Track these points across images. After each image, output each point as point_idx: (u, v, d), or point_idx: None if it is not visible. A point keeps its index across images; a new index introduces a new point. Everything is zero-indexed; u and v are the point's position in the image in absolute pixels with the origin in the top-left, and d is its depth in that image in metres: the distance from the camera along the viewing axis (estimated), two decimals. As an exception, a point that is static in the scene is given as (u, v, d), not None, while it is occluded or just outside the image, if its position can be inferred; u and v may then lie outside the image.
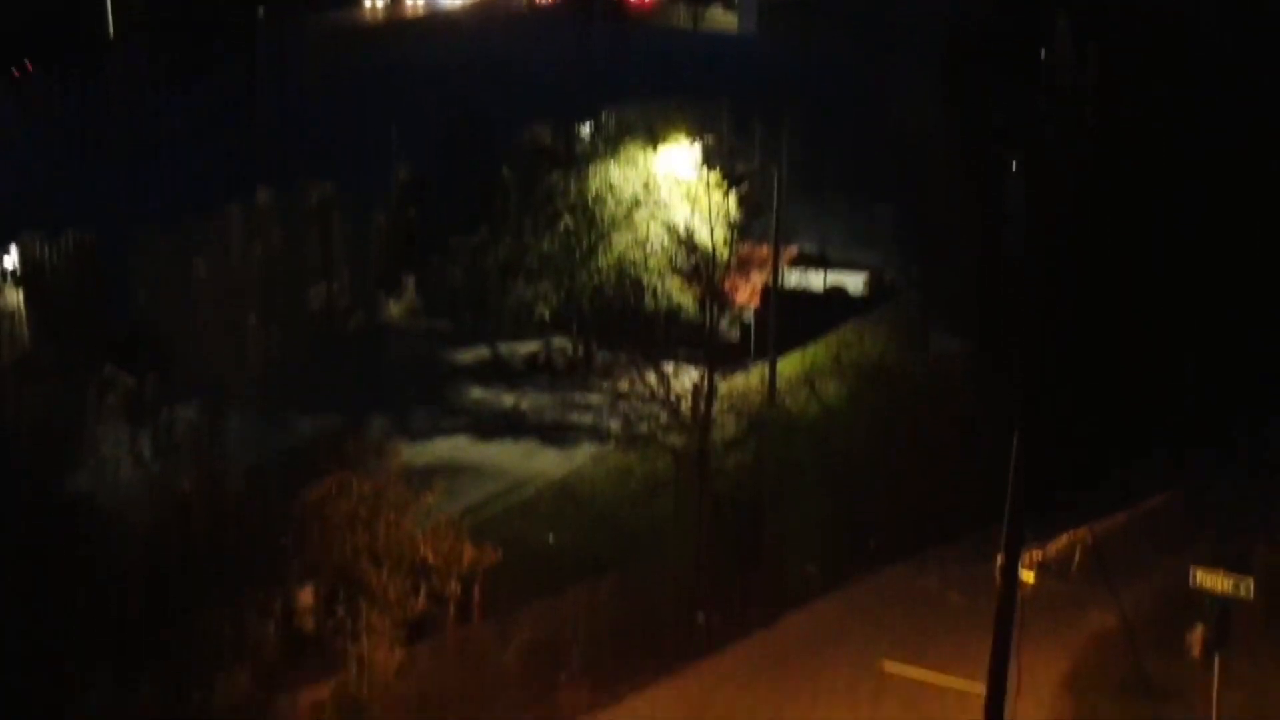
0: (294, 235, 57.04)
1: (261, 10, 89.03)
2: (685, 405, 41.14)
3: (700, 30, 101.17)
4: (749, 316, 55.87)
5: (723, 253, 42.98)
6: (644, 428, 42.31)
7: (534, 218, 53.73)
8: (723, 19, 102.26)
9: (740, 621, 35.32)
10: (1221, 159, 50.53)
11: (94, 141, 69.50)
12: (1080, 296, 46.18)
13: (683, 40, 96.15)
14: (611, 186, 52.06)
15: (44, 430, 31.51)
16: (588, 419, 49.96)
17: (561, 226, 52.98)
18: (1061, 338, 45.87)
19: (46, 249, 51.03)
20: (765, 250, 52.42)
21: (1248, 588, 28.48)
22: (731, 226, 44.50)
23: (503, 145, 55.83)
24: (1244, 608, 28.94)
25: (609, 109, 55.47)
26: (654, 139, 51.70)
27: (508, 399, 53.03)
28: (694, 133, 51.27)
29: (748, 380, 51.99)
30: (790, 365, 53.48)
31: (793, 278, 57.96)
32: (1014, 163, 53.26)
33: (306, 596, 30.61)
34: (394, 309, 61.51)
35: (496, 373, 55.65)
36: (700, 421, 40.01)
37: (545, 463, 47.16)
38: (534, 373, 55.82)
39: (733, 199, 46.27)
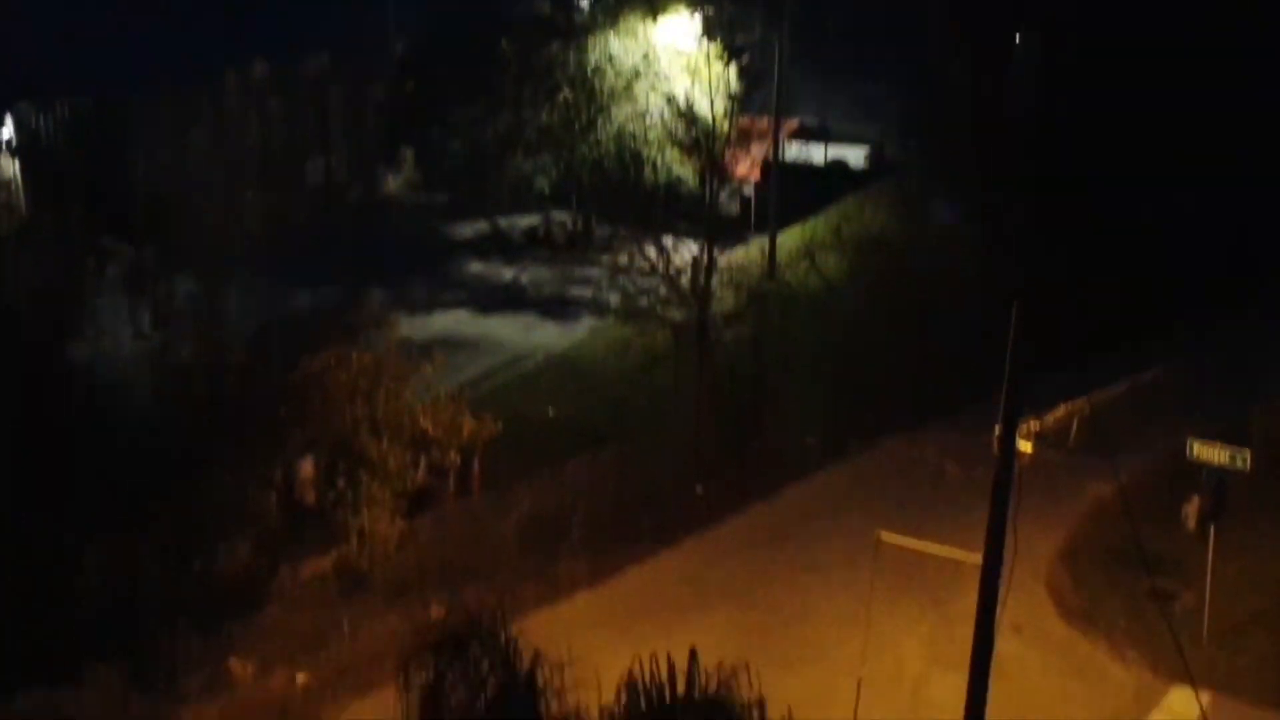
0: (292, 108, 56.71)
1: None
2: (685, 279, 41.09)
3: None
4: (749, 190, 55.67)
5: (723, 125, 42.60)
6: (643, 301, 42.22)
7: (533, 90, 53.36)
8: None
9: (740, 493, 35.36)
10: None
11: (89, 7, 68.67)
12: (1088, 164, 45.67)
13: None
14: (611, 58, 51.71)
15: (43, 301, 31.42)
16: (587, 293, 50.01)
17: (561, 99, 52.64)
18: (1067, 208, 45.54)
19: (43, 118, 50.67)
20: (766, 123, 52.10)
21: (1244, 459, 28.56)
22: (732, 99, 44.04)
23: (502, 16, 55.26)
24: (1242, 478, 29.06)
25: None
26: (654, 10, 51.23)
27: (507, 273, 53.10)
28: (694, 3, 50.76)
29: (747, 254, 51.91)
30: (790, 239, 53.38)
31: (793, 151, 57.62)
32: (1017, 35, 52.52)
33: (307, 468, 30.72)
34: (392, 182, 61.34)
35: (496, 246, 55.64)
36: (700, 295, 39.96)
37: (545, 336, 47.22)
38: (533, 246, 55.81)
39: (733, 71, 45.85)
